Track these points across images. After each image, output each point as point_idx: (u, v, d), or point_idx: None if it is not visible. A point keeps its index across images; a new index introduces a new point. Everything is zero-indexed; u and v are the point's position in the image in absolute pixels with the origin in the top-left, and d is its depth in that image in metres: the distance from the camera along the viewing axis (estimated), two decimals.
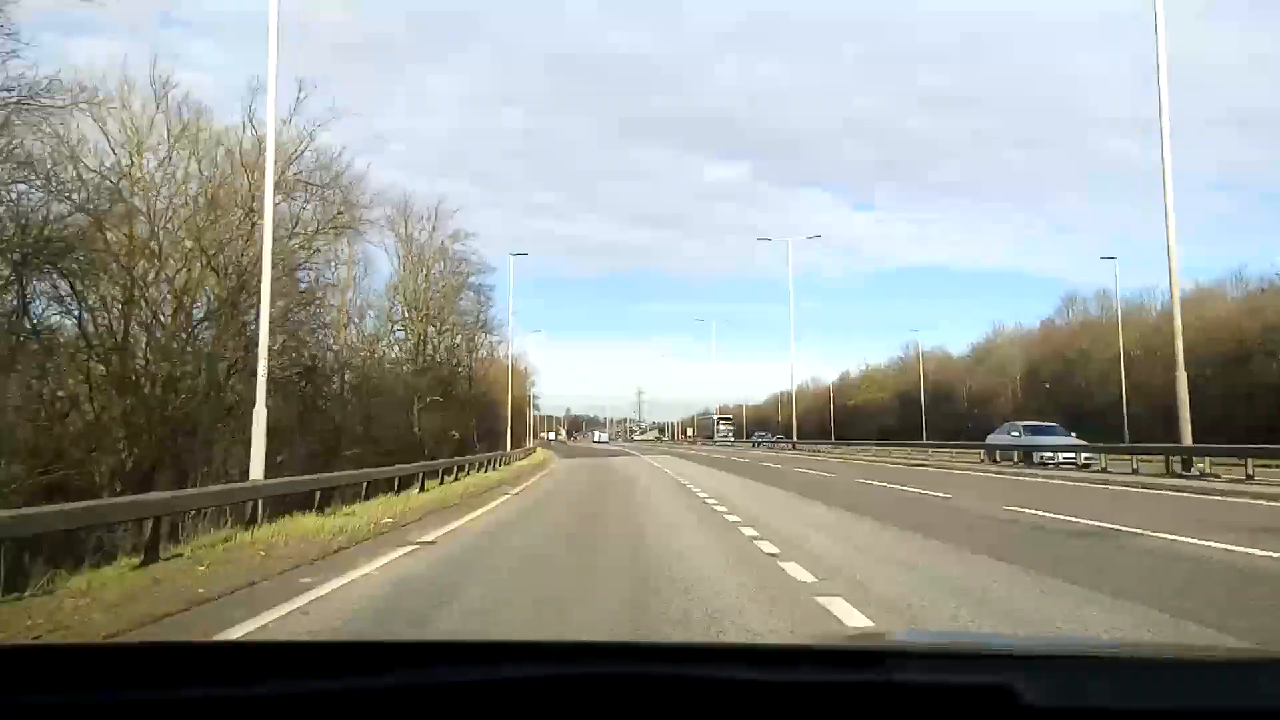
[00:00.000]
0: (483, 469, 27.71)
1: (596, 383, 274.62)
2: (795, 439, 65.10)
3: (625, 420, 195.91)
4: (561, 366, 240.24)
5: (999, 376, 71.57)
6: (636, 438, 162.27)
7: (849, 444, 56.19)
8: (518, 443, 63.58)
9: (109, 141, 23.59)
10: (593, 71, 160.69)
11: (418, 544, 9.72)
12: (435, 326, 52.96)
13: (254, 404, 13.95)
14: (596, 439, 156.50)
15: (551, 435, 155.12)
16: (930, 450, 39.78)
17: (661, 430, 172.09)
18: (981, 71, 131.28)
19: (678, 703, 1.20)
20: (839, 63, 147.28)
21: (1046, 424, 31.58)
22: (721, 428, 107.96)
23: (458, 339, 58.63)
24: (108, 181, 21.69)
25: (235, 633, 5.23)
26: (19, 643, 4.56)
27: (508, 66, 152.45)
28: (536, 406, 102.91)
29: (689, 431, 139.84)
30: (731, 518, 11.93)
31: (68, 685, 1.14)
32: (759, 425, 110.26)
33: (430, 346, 52.59)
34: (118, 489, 16.88)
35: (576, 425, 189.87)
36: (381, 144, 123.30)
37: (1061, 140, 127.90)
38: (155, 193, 24.48)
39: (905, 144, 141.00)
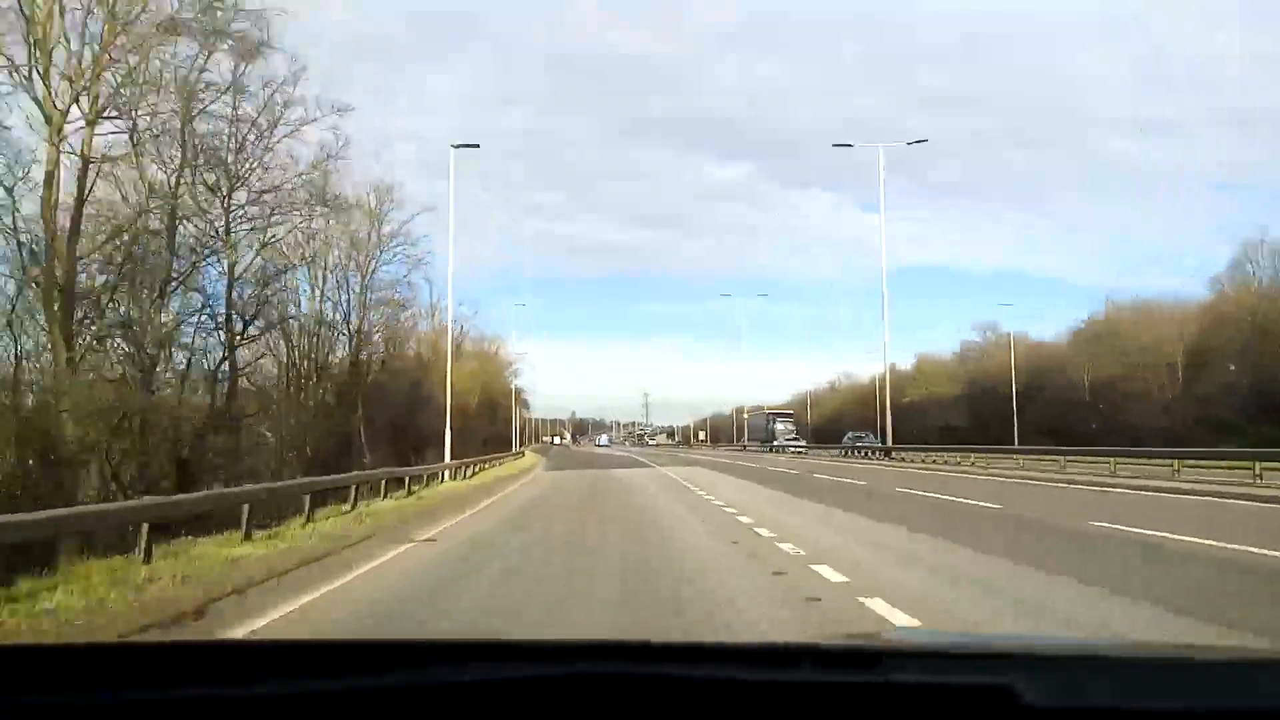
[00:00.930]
0: (302, 522, 14.46)
1: (601, 386, 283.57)
2: (890, 444, 51.63)
3: (633, 423, 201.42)
4: (565, 369, 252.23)
5: (1134, 359, 62.03)
6: (650, 442, 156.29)
7: (954, 449, 45.38)
8: (494, 450, 48.40)
9: None
10: (593, 71, 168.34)
11: None
12: (196, 176, 26.77)
13: None
14: (599, 443, 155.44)
15: (556, 439, 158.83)
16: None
17: (670, 434, 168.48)
18: (981, 71, 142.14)
19: (677, 702, 1.29)
20: (839, 63, 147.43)
21: None
22: (780, 427, 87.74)
23: (301, 238, 33.58)
24: None
25: None
26: (19, 643, 4.79)
27: (508, 67, 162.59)
28: (525, 403, 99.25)
29: (701, 434, 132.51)
30: None
31: (67, 685, 1.23)
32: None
33: (216, 224, 28.50)
34: None
35: (581, 428, 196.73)
36: (384, 143, 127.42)
37: (1061, 140, 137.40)
38: None
39: (906, 143, 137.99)
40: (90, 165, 22.87)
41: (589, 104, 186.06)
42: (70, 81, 22.15)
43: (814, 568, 9.25)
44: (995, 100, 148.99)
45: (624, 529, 14.13)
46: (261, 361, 31.15)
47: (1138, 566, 9.52)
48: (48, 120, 21.83)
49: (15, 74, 21.19)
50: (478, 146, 37.41)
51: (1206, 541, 10.93)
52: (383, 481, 20.38)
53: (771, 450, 73.09)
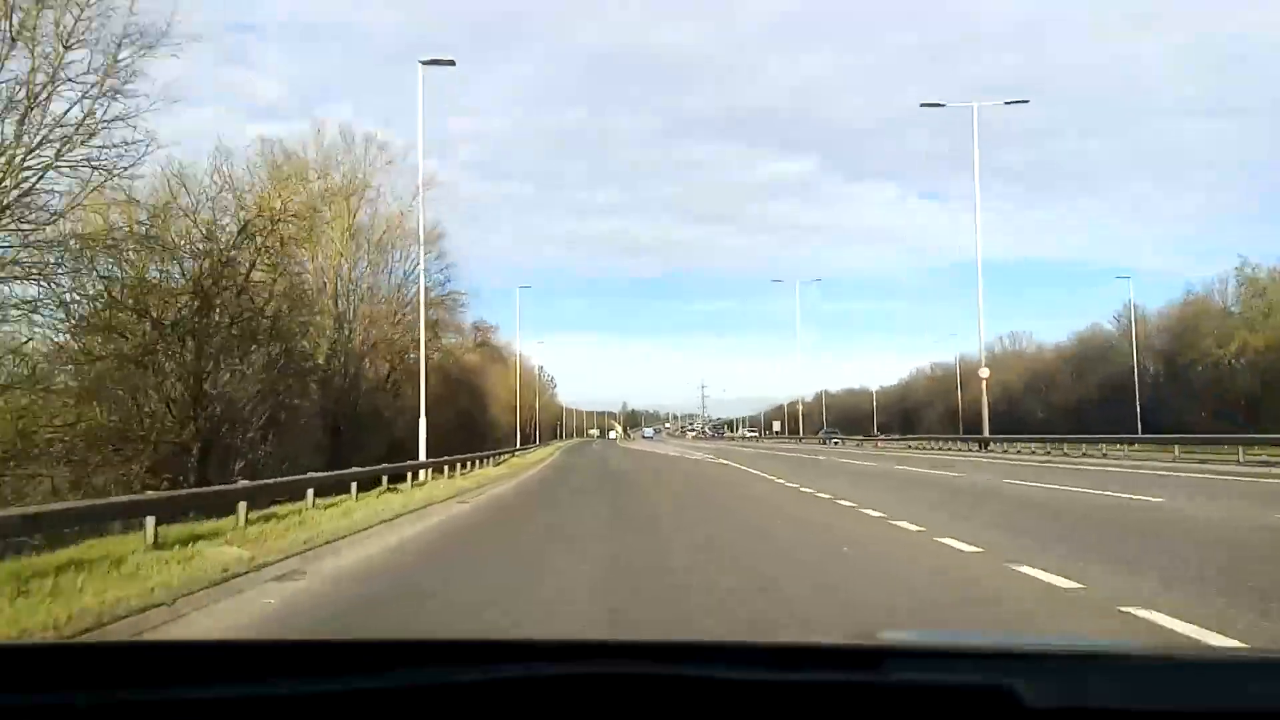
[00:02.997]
0: None
1: (656, 380, 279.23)
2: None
3: (691, 416, 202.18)
4: (617, 364, 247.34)
5: None
6: (743, 436, 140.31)
7: None
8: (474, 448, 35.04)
9: None
10: (648, 69, 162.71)
11: None
12: None
13: None
14: (644, 434, 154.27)
15: (611, 433, 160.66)
16: None
17: (730, 425, 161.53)
18: (1048, 58, 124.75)
19: (677, 702, 1.29)
20: (903, 53, 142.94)
21: None
22: None
23: None
24: None
25: None
26: (17, 643, 4.78)
27: (563, 66, 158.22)
28: (552, 386, 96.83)
29: (775, 425, 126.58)
30: None
31: (63, 684, 1.24)
32: (858, 423, 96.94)
33: None
34: None
35: (633, 421, 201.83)
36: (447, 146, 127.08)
37: (1130, 128, 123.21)
38: None
39: (972, 133, 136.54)
40: None
41: (647, 101, 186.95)
42: None
43: None
44: (1062, 87, 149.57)
45: None
46: None
47: None
48: None
49: None
50: (453, 63, 30.70)
51: None
52: None
53: None
